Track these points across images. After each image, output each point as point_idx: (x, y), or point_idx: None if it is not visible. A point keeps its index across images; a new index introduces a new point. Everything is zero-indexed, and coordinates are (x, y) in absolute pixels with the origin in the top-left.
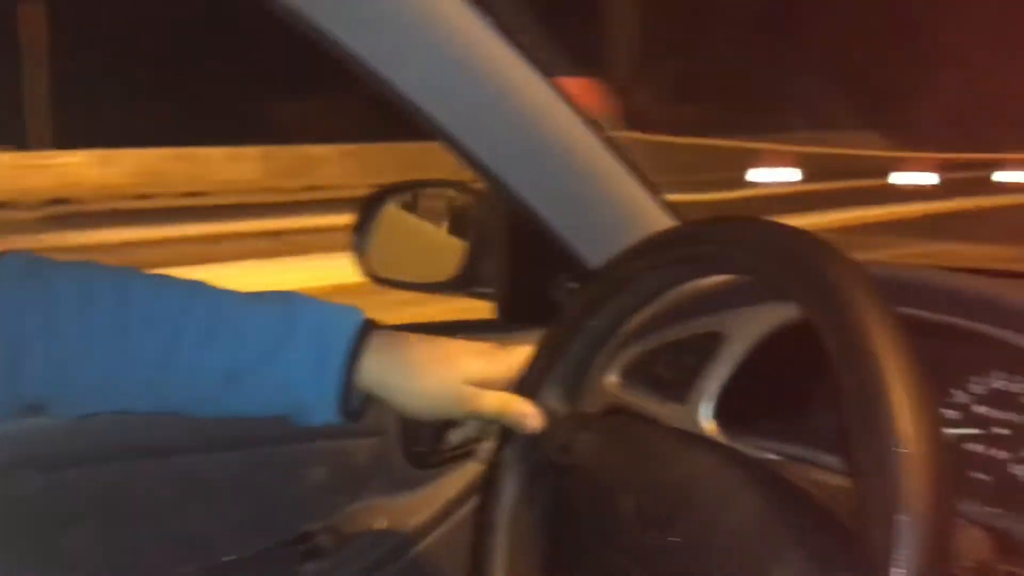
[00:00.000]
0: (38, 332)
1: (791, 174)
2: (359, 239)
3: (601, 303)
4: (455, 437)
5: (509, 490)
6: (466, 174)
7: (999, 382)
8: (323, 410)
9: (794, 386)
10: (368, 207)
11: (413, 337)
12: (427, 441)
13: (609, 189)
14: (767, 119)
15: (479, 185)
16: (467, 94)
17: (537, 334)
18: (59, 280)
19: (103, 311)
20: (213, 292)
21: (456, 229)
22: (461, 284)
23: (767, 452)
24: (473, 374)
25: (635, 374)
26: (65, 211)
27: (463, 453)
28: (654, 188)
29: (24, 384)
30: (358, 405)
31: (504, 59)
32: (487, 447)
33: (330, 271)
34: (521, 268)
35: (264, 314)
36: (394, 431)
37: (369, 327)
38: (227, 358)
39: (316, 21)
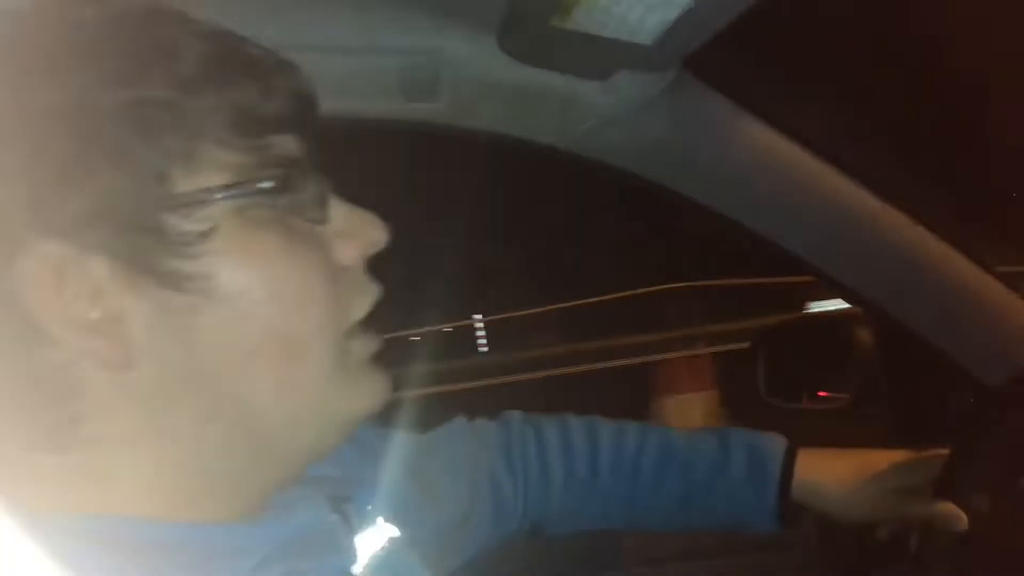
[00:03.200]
0: (536, 462)
1: None
2: (756, 367)
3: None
4: (882, 534)
5: None
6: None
7: None
8: (763, 520)
9: None
10: (762, 339)
11: (837, 452)
12: (851, 546)
13: (984, 302)
14: None
15: (857, 311)
16: (842, 239)
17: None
18: (547, 428)
19: (579, 454)
20: (660, 431)
21: (843, 354)
22: (853, 404)
23: None
24: (899, 482)
25: None
26: None
27: (887, 552)
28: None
29: (529, 509)
30: (794, 513)
31: (870, 204)
32: (911, 544)
33: None
34: (909, 387)
35: (703, 444)
36: (814, 540)
37: (794, 446)
38: (680, 484)
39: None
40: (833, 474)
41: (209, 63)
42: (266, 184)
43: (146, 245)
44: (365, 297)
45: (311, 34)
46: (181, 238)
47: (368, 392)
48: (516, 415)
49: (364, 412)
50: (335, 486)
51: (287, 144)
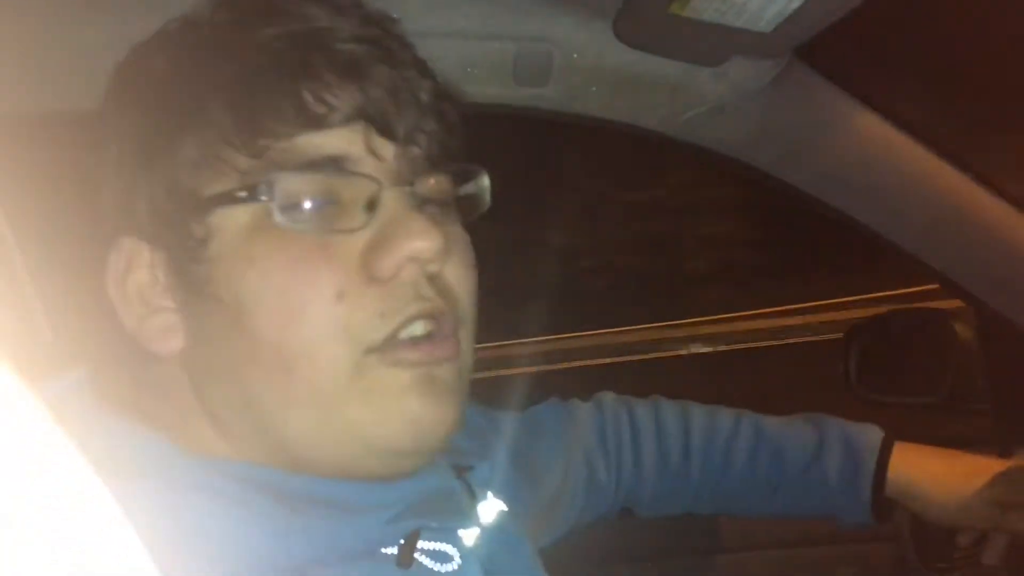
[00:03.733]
0: (629, 445)
1: None
2: (848, 365)
3: None
4: (964, 540)
5: None
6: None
7: None
8: (856, 512)
9: None
10: (855, 335)
11: (933, 451)
12: (938, 544)
13: None
14: None
15: (958, 306)
16: (950, 231)
17: None
18: (640, 411)
19: (672, 435)
20: (754, 417)
21: (940, 349)
22: (951, 401)
23: None
24: (995, 491)
25: None
26: None
27: (972, 556)
28: None
29: (623, 486)
30: (887, 507)
31: (980, 198)
32: (994, 552)
33: None
34: (1013, 385)
35: (798, 432)
36: (907, 534)
37: (890, 439)
38: (772, 470)
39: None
40: (931, 474)
41: (250, 71)
42: (270, 194)
43: (178, 246)
44: (398, 312)
45: (427, 20)
46: (194, 242)
47: (399, 420)
48: (609, 396)
49: (399, 441)
50: (457, 456)
51: (328, 144)
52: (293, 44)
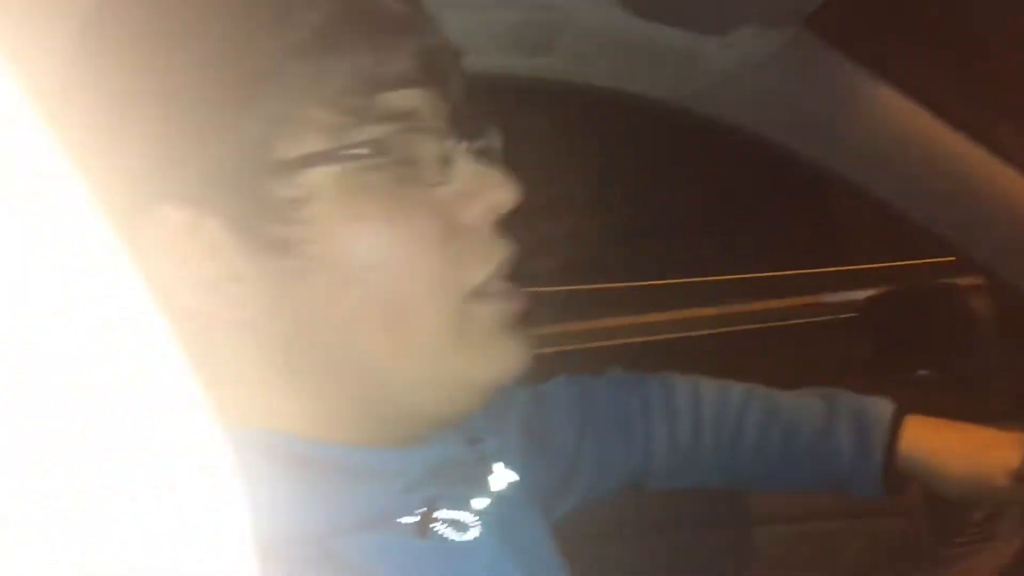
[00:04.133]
0: (640, 420)
1: None
2: (864, 338)
3: None
4: (978, 515)
5: None
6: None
7: None
8: (867, 486)
9: None
10: (871, 306)
11: (947, 424)
12: (952, 518)
13: None
14: None
15: (977, 282)
16: (962, 202)
17: None
18: (650, 385)
19: (683, 409)
20: (765, 391)
21: (958, 326)
22: (967, 378)
23: None
24: (1009, 464)
25: None
26: None
27: (987, 531)
28: None
29: (633, 461)
30: (899, 482)
31: (993, 169)
32: (1011, 526)
33: None
34: None
35: (809, 405)
36: (920, 508)
37: (902, 412)
38: (784, 443)
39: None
40: (945, 446)
41: (326, 26)
42: (362, 150)
43: (252, 210)
44: (489, 259)
45: None
46: (282, 204)
47: (497, 359)
48: (618, 371)
49: (495, 379)
50: (470, 425)
51: (402, 100)
52: (353, 3)
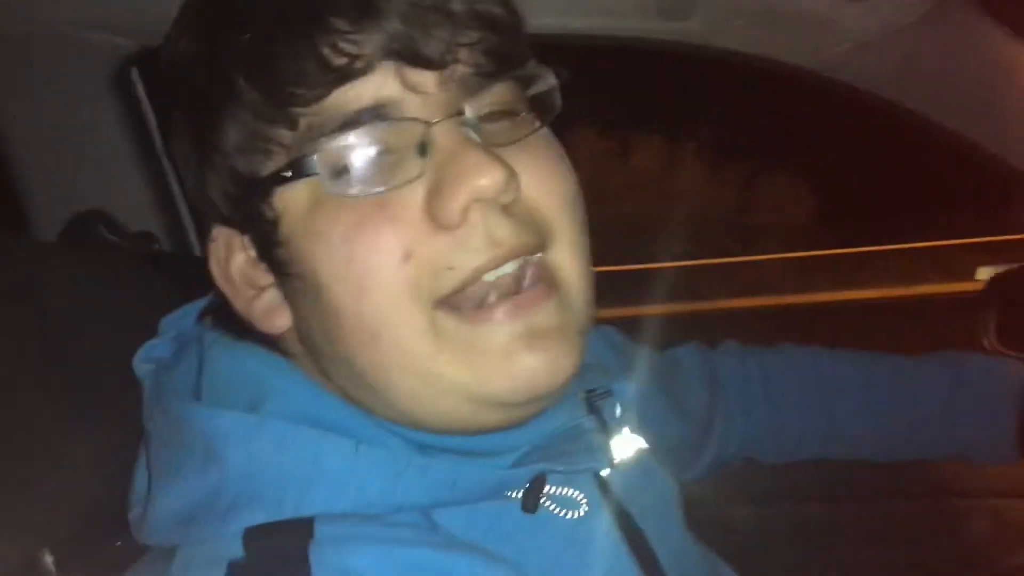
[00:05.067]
0: (758, 398)
1: None
2: (987, 314)
3: None
4: None
5: None
6: None
7: None
8: (997, 451)
9: None
10: (997, 284)
11: None
12: None
13: None
14: None
15: None
16: None
17: None
18: (770, 359)
19: (802, 386)
20: (890, 359)
21: None
22: None
23: None
24: None
25: None
26: None
27: None
28: None
29: (751, 436)
30: None
31: None
32: None
33: None
34: None
35: (933, 370)
36: None
37: None
38: (910, 409)
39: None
40: None
41: (270, 36)
42: (315, 167)
43: (257, 230)
44: (471, 259)
45: None
46: (268, 225)
47: (501, 378)
48: (734, 345)
49: (507, 397)
50: (596, 378)
51: (364, 93)
52: (298, 1)
